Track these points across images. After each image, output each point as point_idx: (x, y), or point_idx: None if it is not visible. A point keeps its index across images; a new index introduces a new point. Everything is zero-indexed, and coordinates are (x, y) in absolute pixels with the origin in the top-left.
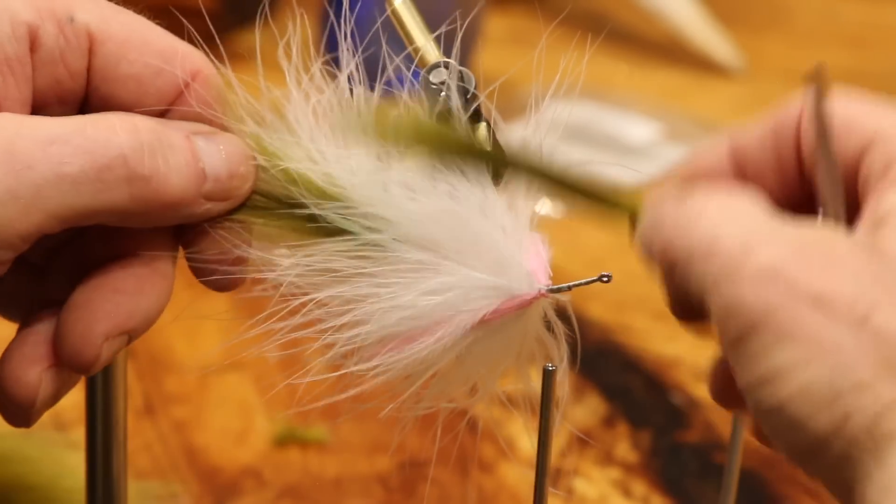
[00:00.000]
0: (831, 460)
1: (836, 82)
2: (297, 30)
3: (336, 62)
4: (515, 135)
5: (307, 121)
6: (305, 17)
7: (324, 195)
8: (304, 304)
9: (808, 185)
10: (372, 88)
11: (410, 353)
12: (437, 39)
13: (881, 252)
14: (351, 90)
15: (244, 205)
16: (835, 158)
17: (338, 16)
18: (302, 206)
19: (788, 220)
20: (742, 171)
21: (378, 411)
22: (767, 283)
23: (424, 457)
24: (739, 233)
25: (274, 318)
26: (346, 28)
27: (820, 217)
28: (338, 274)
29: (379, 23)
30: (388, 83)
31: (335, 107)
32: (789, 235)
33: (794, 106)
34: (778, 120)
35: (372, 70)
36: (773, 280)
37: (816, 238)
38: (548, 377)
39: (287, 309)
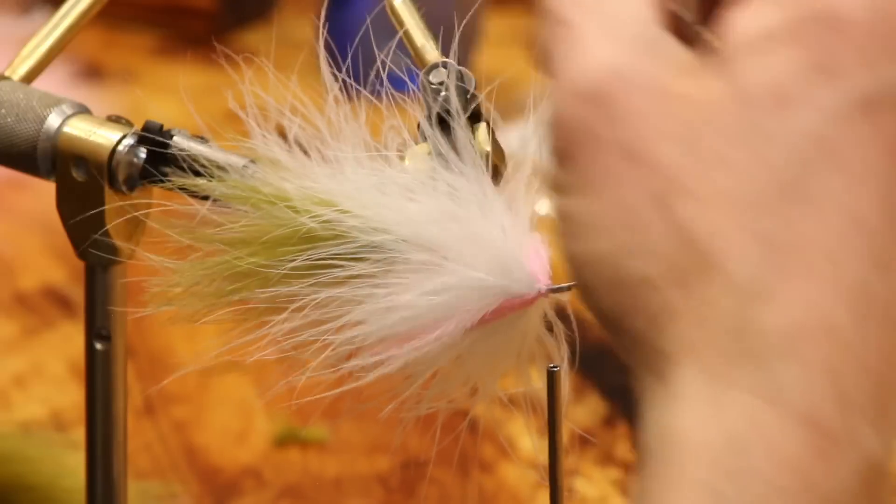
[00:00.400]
0: (618, 339)
1: None
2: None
3: (335, 62)
4: (515, 135)
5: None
6: (305, 17)
7: (321, 202)
8: (303, 306)
9: None
10: (369, 88)
11: (410, 352)
12: (437, 39)
13: (720, 108)
14: (348, 95)
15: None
16: None
17: (337, 16)
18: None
19: (665, 37)
20: None
21: (378, 411)
22: (589, 108)
23: (424, 457)
24: (596, 25)
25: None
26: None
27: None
28: (337, 275)
29: (369, 22)
30: (387, 83)
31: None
32: (648, 60)
33: None
34: None
35: (370, 70)
36: (597, 107)
37: (670, 68)
38: (552, 378)
39: (287, 310)
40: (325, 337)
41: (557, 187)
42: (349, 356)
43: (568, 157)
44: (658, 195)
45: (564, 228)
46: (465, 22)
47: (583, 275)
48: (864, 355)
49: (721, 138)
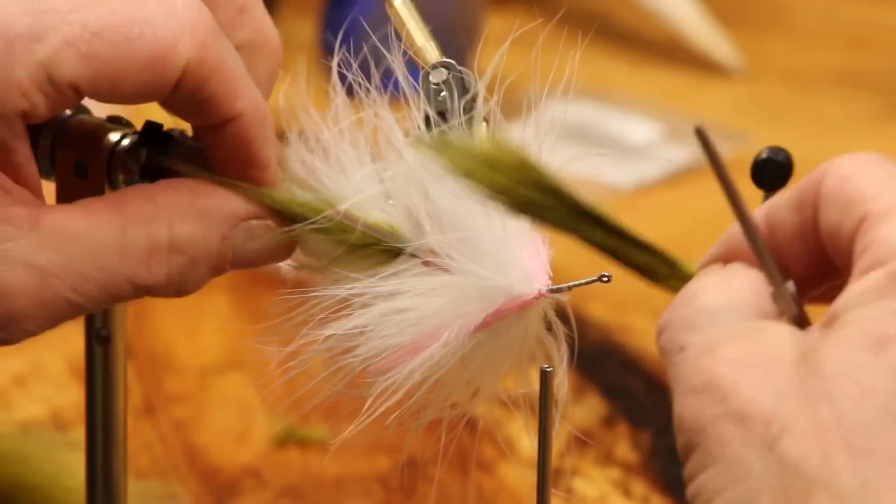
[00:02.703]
0: None
1: (836, 82)
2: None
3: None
4: (515, 134)
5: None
6: (305, 17)
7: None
8: (304, 306)
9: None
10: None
11: (422, 363)
12: (437, 39)
13: (815, 358)
14: (353, 94)
15: None
16: (750, 222)
17: (337, 16)
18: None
19: (759, 314)
20: (773, 238)
21: (382, 415)
22: (704, 396)
23: (424, 457)
24: (704, 332)
25: (275, 321)
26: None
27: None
28: (337, 277)
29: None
30: (387, 83)
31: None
32: (741, 341)
33: (819, 171)
34: (803, 184)
35: (371, 70)
36: (709, 392)
37: (763, 343)
38: (545, 379)
39: (289, 311)
40: (326, 339)
41: (688, 480)
42: (359, 369)
43: (692, 447)
44: (765, 441)
45: None
46: (465, 22)
47: None
48: None
49: (816, 381)
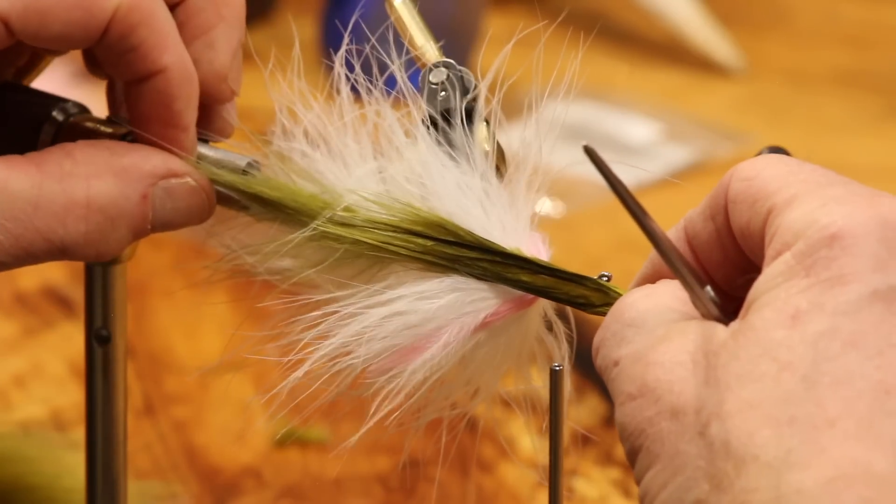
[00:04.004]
0: None
1: (836, 82)
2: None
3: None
4: (515, 135)
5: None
6: (305, 17)
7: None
8: (304, 306)
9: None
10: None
11: (423, 364)
12: (437, 39)
13: (735, 344)
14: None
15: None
16: (654, 230)
17: (337, 16)
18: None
19: (683, 318)
20: (693, 248)
21: (382, 415)
22: (640, 401)
23: (424, 457)
24: (633, 343)
25: (276, 321)
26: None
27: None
28: (338, 276)
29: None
30: (389, 83)
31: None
32: (667, 343)
33: (725, 177)
34: (713, 193)
35: (371, 69)
36: (644, 396)
37: (687, 340)
38: (555, 377)
39: (289, 311)
40: (327, 340)
41: (638, 485)
42: (361, 371)
43: (636, 450)
44: (697, 429)
45: None
46: (465, 22)
47: None
48: None
49: (738, 363)
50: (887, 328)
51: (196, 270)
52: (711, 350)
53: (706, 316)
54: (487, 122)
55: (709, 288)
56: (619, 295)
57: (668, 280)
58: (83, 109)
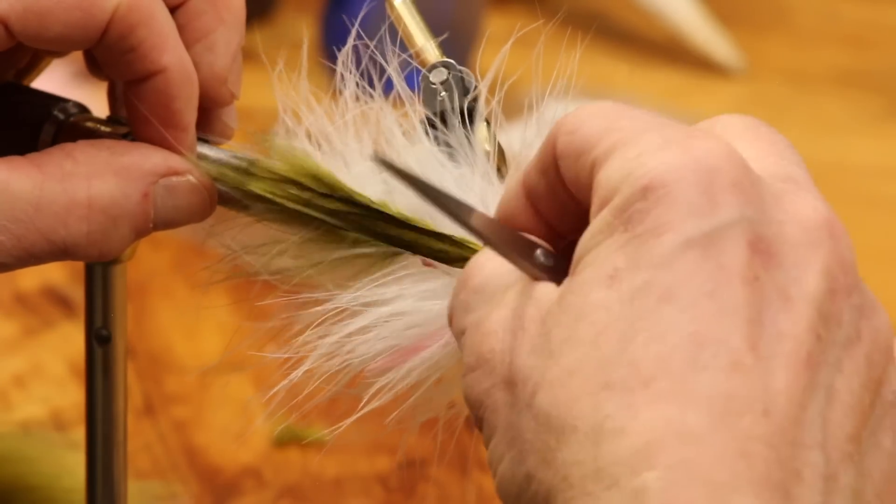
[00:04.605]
0: None
1: (836, 82)
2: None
3: (335, 62)
4: (515, 135)
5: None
6: (305, 17)
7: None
8: (304, 305)
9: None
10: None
11: (419, 363)
12: (437, 39)
13: (558, 309)
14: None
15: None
16: (467, 221)
17: (337, 16)
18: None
19: (526, 280)
20: (532, 201)
21: (379, 412)
22: (477, 373)
23: (424, 457)
24: (476, 311)
25: (276, 321)
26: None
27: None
28: (339, 277)
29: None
30: (389, 82)
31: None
32: (502, 310)
33: (552, 130)
34: (542, 146)
35: (371, 70)
36: (480, 367)
37: (518, 306)
38: None
39: (289, 311)
40: (327, 341)
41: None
42: (358, 371)
43: (479, 422)
44: (525, 401)
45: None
46: (465, 22)
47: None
48: (724, 443)
49: (560, 329)
50: (701, 277)
51: (196, 270)
52: (538, 316)
53: (538, 279)
54: (488, 123)
55: (539, 251)
56: (475, 251)
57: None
58: (83, 109)
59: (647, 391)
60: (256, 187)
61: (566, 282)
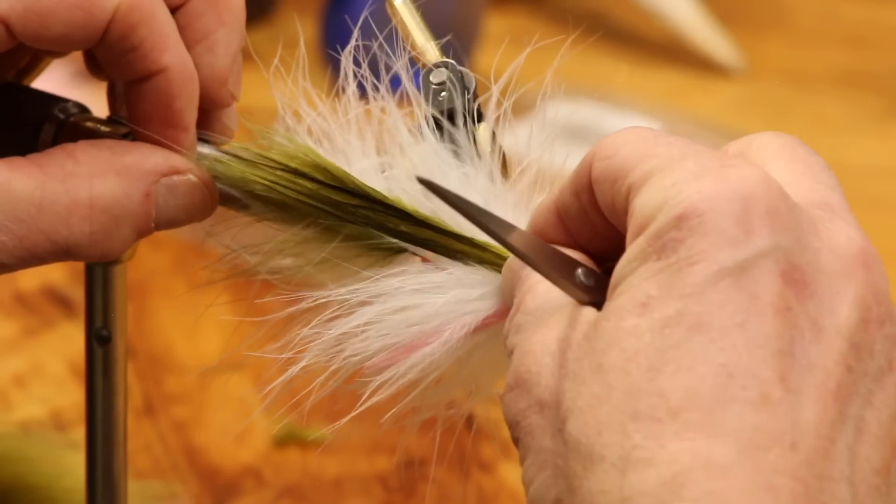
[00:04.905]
0: None
1: (836, 82)
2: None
3: (335, 62)
4: (516, 135)
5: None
6: (305, 17)
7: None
8: (306, 306)
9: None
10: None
11: (419, 360)
12: (438, 39)
13: (593, 335)
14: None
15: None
16: (508, 242)
17: (337, 16)
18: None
19: (564, 305)
20: (563, 222)
21: (378, 411)
22: (515, 393)
23: (424, 457)
24: (523, 335)
25: (276, 319)
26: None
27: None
28: (339, 275)
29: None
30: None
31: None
32: (544, 332)
33: (589, 154)
34: (577, 168)
35: (372, 69)
36: (518, 388)
37: (557, 330)
38: None
39: (289, 309)
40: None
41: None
42: (357, 367)
43: (515, 441)
44: (557, 426)
45: None
46: (465, 22)
47: None
48: (750, 476)
49: (592, 355)
50: (732, 307)
51: (196, 270)
52: (575, 341)
53: (582, 302)
54: (488, 123)
55: (580, 270)
56: (497, 254)
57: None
58: (83, 109)
59: (675, 422)
60: (259, 178)
61: (604, 307)
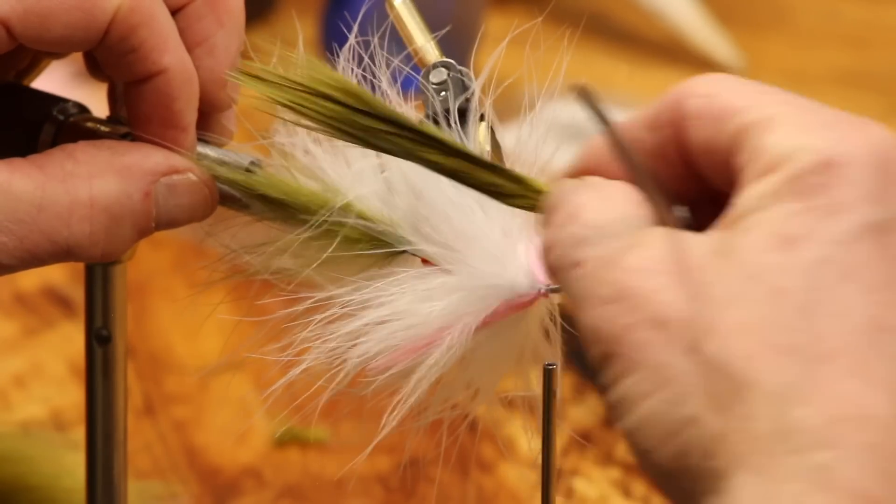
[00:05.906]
0: (678, 492)
1: (836, 82)
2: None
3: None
4: (515, 135)
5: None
6: (305, 17)
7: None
8: (306, 307)
9: (693, 169)
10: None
11: (420, 361)
12: (437, 39)
13: (726, 262)
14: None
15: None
16: (639, 166)
17: (337, 16)
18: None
19: (647, 224)
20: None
21: (380, 412)
22: (616, 306)
23: (424, 457)
24: (600, 245)
25: (276, 320)
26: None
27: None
28: (339, 276)
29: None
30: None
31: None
32: (644, 249)
33: (675, 93)
34: (658, 105)
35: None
36: (621, 302)
37: (668, 247)
38: (548, 376)
39: (289, 310)
40: (328, 341)
41: (609, 389)
42: (360, 368)
43: (610, 356)
44: (687, 343)
45: (620, 414)
46: (465, 22)
47: (638, 441)
48: None
49: (726, 283)
50: (881, 264)
51: (196, 270)
52: (694, 264)
53: (677, 227)
54: (487, 123)
55: (681, 209)
56: (538, 188)
57: (619, 183)
58: (83, 109)
59: (832, 366)
60: (285, 100)
61: (730, 237)
